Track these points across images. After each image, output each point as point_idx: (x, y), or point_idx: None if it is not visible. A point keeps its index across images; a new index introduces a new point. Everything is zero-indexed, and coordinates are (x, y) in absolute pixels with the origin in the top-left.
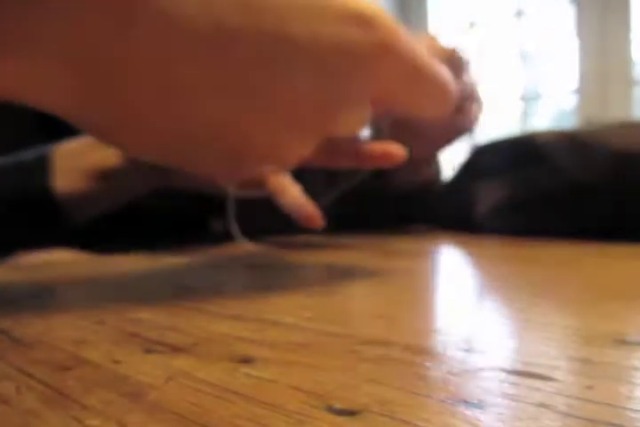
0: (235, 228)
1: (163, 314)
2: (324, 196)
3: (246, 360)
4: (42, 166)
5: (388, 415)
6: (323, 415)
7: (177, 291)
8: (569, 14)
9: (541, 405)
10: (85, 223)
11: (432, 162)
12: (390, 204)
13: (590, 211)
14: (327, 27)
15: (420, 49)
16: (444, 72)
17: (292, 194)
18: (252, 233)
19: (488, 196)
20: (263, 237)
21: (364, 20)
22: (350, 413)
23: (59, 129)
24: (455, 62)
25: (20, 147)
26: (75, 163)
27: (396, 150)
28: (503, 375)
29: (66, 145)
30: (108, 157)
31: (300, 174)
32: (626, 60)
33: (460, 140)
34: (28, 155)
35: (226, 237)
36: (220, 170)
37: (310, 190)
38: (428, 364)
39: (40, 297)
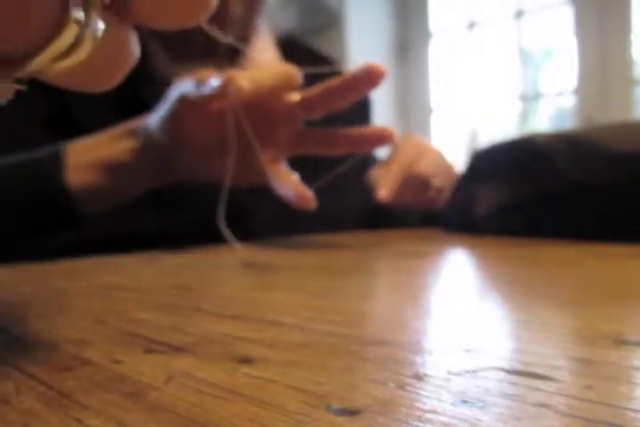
0: (226, 230)
1: (163, 314)
2: (319, 180)
3: (246, 360)
4: (56, 162)
5: (388, 416)
6: (322, 415)
7: (177, 291)
8: (568, 14)
9: (541, 405)
10: (93, 218)
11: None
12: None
13: (590, 211)
14: None
15: None
16: None
17: (286, 178)
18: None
19: (489, 197)
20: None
21: None
22: (350, 413)
23: (67, 130)
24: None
25: (34, 145)
26: (84, 157)
27: (388, 131)
28: (503, 375)
29: (78, 142)
30: (116, 152)
31: (297, 162)
32: (626, 60)
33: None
34: (43, 151)
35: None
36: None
37: (306, 176)
38: (428, 364)
39: (40, 297)
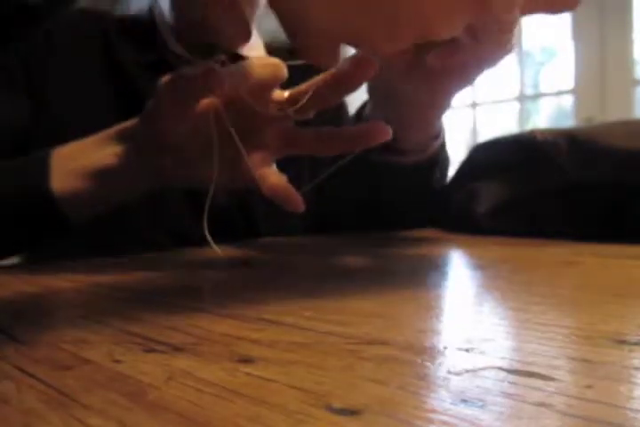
0: (207, 233)
1: (163, 314)
2: (310, 181)
3: (246, 360)
4: (41, 168)
5: (388, 415)
6: (322, 415)
7: (177, 291)
8: (568, 14)
9: (541, 404)
10: (82, 224)
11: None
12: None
13: (590, 211)
14: None
15: None
16: None
17: (274, 179)
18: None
19: (489, 196)
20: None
21: None
22: (350, 412)
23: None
24: None
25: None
26: (71, 163)
27: (381, 128)
28: (503, 375)
29: (63, 147)
30: (102, 157)
31: (287, 163)
32: (626, 60)
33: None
34: (28, 157)
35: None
36: (377, 32)
37: (296, 178)
38: (427, 364)
39: (40, 297)
